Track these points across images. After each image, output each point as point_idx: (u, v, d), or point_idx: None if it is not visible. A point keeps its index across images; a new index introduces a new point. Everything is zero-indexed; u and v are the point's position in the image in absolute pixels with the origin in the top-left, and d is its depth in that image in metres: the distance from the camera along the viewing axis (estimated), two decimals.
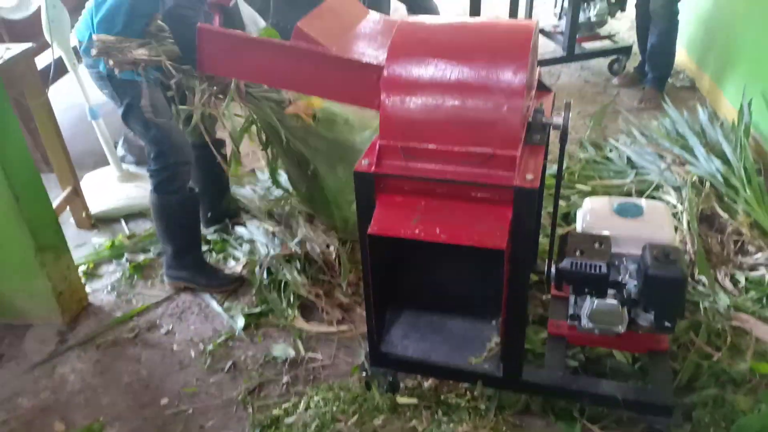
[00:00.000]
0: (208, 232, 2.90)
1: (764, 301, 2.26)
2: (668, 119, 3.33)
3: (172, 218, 2.45)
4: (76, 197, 2.97)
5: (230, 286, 2.56)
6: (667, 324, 1.71)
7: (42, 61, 3.01)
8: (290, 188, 3.17)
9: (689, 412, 1.87)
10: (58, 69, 2.80)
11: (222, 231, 2.89)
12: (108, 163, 3.27)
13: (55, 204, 2.62)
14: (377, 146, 1.53)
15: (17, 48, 2.56)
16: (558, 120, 1.58)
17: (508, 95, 1.43)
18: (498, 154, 1.46)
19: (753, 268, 2.41)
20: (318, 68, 1.60)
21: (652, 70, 3.88)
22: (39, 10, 2.78)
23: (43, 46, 3.00)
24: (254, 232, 2.80)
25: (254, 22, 2.68)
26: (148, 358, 2.30)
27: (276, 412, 2.02)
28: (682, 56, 4.25)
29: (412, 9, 4.12)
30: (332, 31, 1.62)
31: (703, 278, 2.34)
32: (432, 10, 4.10)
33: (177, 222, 2.46)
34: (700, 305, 2.22)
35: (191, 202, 2.47)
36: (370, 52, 1.60)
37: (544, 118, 1.59)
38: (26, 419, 2.08)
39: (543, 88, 1.86)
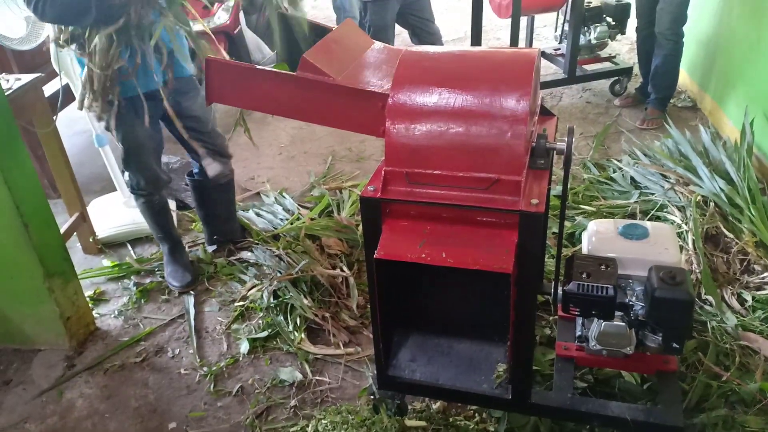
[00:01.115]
0: (212, 253, 2.92)
1: None
2: (671, 139, 3.35)
3: (143, 215, 2.74)
4: (83, 222, 3.00)
5: (178, 288, 2.73)
6: (675, 345, 1.71)
7: (49, 89, 3.05)
8: (295, 209, 3.20)
9: None
10: (66, 97, 2.84)
11: (228, 254, 2.91)
12: (114, 189, 3.30)
13: (62, 230, 2.64)
14: (383, 172, 1.55)
15: (26, 78, 2.61)
16: (561, 145, 1.59)
17: (511, 122, 1.45)
18: (503, 179, 1.47)
19: (759, 287, 2.41)
20: (324, 98, 1.62)
21: (655, 91, 3.91)
22: (47, 39, 2.83)
23: (51, 74, 3.05)
24: (260, 255, 2.82)
25: (259, 50, 2.72)
26: (156, 382, 2.30)
27: None
28: (683, 77, 4.28)
29: (415, 34, 4.17)
30: (338, 61, 1.65)
31: (710, 298, 2.35)
32: (435, 34, 4.15)
33: (147, 219, 2.75)
34: (708, 325, 2.22)
35: (152, 212, 2.69)
36: (375, 81, 1.62)
37: (548, 143, 1.60)
38: None
39: (546, 113, 1.88)
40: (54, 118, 2.78)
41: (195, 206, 2.94)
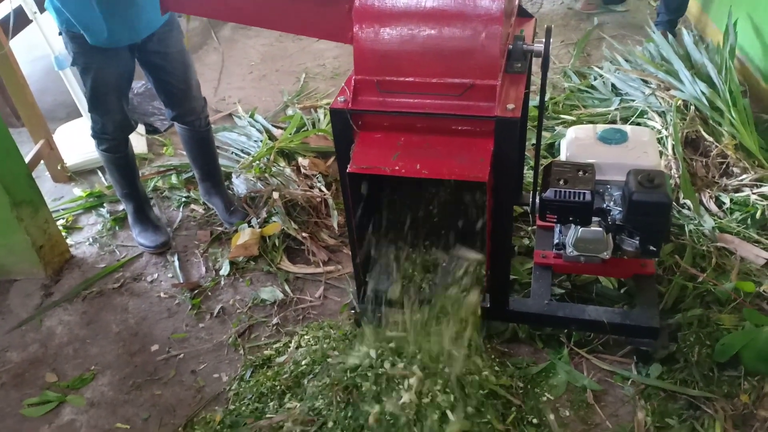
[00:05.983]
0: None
1: (748, 221, 2.27)
2: (653, 44, 3.27)
3: (106, 168, 2.48)
4: (50, 150, 2.90)
5: (152, 250, 2.52)
6: (652, 248, 1.71)
7: (1, 11, 2.88)
8: (272, 129, 3.11)
9: (675, 332, 1.90)
10: (19, 19, 2.67)
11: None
12: (80, 115, 3.17)
13: (27, 158, 2.56)
14: (353, 81, 1.48)
15: None
16: (539, 46, 1.52)
17: (486, 22, 1.37)
18: (477, 84, 1.41)
19: (737, 189, 2.41)
20: (287, 1, 1.52)
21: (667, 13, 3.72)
22: None
23: None
24: (235, 181, 2.75)
25: None
26: (136, 307, 2.29)
27: (267, 352, 2.04)
28: None
29: None
30: None
31: (688, 202, 2.35)
32: None
33: (111, 172, 2.48)
34: (685, 228, 2.23)
35: (117, 164, 2.42)
36: None
37: (525, 45, 1.53)
38: (17, 372, 2.09)
39: (524, 15, 1.79)
40: (7, 40, 2.63)
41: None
